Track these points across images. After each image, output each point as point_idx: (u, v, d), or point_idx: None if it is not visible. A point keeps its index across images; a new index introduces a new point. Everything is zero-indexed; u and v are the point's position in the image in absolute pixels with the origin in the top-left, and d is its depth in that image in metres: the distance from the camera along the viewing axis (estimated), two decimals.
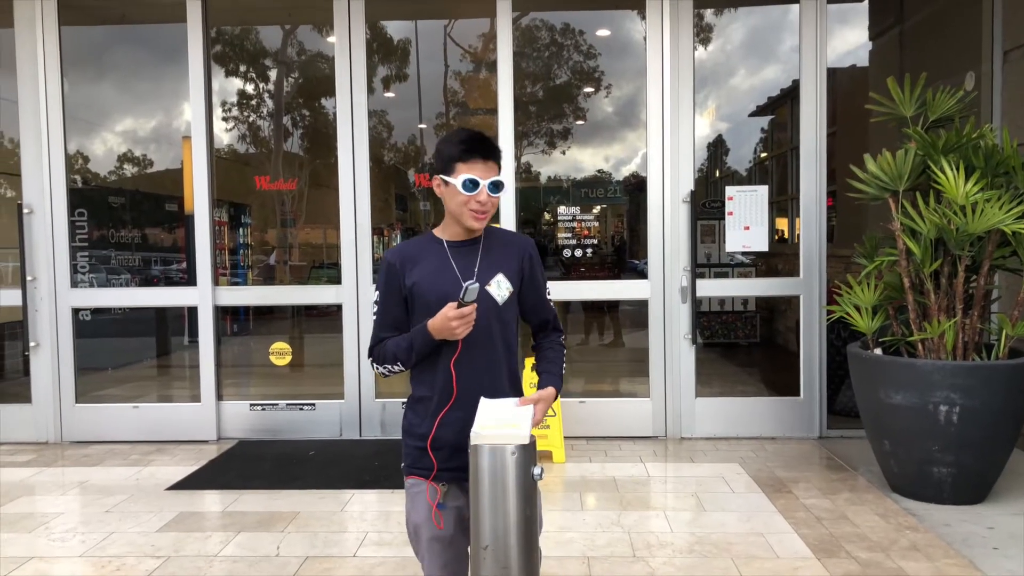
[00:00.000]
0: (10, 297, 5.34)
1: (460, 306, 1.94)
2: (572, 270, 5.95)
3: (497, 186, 2.06)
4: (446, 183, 2.07)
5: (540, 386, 2.11)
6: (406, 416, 2.17)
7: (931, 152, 3.95)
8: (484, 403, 1.95)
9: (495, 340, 2.10)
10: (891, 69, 6.73)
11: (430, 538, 2.12)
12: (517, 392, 2.15)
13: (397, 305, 2.12)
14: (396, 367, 2.10)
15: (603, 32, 7.51)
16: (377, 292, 2.15)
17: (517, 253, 2.16)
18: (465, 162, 2.04)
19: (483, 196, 2.04)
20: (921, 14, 6.57)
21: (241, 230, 8.50)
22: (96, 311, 5.64)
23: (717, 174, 9.44)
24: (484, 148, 2.06)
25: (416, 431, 2.12)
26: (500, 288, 2.09)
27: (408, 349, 2.06)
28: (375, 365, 2.14)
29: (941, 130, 4.19)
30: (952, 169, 3.80)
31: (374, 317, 2.16)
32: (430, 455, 2.08)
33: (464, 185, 2.03)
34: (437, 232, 2.17)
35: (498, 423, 1.87)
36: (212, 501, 4.18)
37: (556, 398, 2.10)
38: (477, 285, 1.95)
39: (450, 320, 1.95)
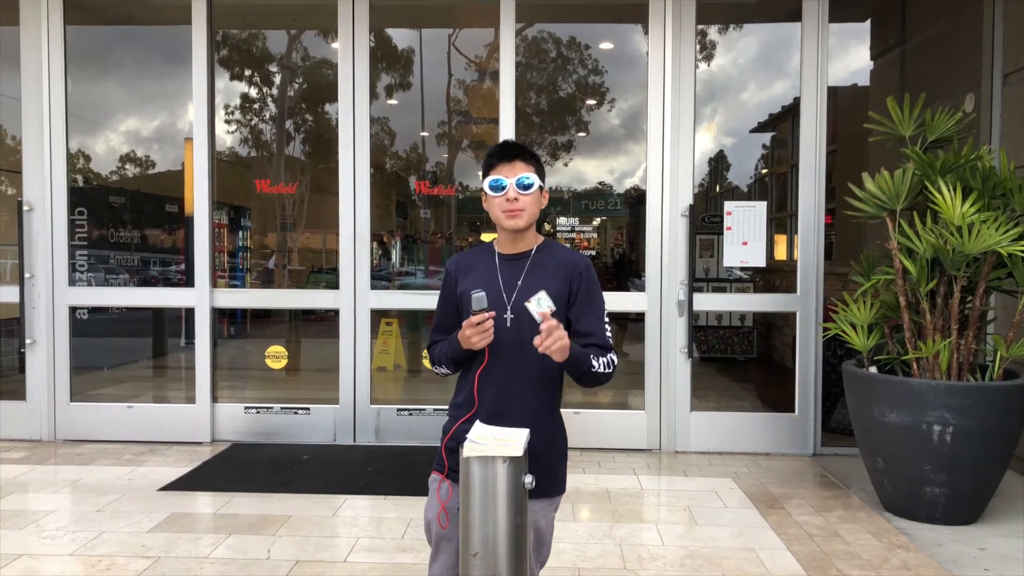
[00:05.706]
0: (8, 294, 5.34)
1: (473, 315, 1.96)
2: None
3: (526, 184, 2.09)
4: (485, 194, 2.13)
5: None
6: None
7: (929, 172, 3.96)
8: (479, 425, 1.95)
9: (527, 356, 2.04)
10: (892, 89, 6.77)
11: (438, 535, 2.14)
12: (551, 410, 2.14)
13: (450, 311, 2.20)
14: (443, 369, 2.17)
15: (606, 45, 7.55)
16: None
17: (567, 273, 2.12)
18: (492, 167, 2.12)
19: (512, 193, 2.08)
20: (922, 36, 6.61)
21: (241, 233, 8.52)
22: (93, 310, 5.64)
23: (717, 189, 9.46)
24: (503, 151, 2.13)
25: (444, 430, 2.18)
26: (540, 305, 2.07)
27: (447, 355, 2.13)
28: (432, 364, 2.23)
29: (939, 151, 4.20)
30: (949, 190, 3.82)
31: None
32: (443, 454, 2.14)
33: (491, 187, 2.11)
34: (496, 244, 2.21)
35: (493, 438, 1.87)
36: (204, 503, 4.17)
37: (567, 352, 1.95)
38: (482, 294, 1.94)
39: (464, 330, 1.99)
